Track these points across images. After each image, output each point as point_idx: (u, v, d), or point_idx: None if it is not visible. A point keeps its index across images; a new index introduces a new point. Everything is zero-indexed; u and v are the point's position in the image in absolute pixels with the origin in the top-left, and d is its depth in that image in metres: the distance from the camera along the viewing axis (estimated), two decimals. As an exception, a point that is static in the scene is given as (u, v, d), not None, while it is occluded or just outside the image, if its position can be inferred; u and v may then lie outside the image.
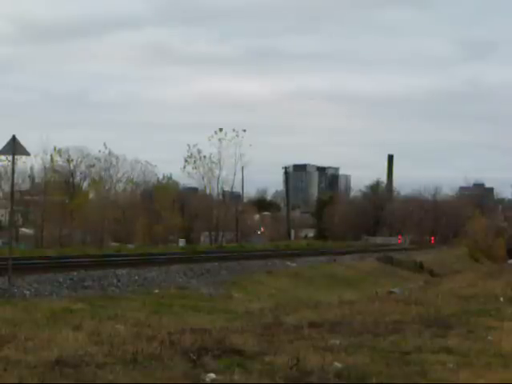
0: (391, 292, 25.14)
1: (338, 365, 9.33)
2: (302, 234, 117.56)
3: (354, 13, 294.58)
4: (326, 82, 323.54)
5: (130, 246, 59.50)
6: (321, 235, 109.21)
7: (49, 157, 73.22)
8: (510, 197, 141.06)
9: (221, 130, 77.69)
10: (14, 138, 20.67)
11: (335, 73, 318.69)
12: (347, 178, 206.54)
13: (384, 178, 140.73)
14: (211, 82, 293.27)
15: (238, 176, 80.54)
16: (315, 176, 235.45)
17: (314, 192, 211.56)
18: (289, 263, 39.92)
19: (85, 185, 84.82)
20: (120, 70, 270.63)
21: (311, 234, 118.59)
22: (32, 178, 77.33)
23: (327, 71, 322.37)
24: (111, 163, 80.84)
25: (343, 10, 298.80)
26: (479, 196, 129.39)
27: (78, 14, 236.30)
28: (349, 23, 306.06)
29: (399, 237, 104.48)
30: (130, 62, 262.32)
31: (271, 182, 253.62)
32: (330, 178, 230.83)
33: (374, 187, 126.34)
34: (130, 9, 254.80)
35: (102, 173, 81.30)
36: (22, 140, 20.94)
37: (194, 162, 78.65)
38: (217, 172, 79.81)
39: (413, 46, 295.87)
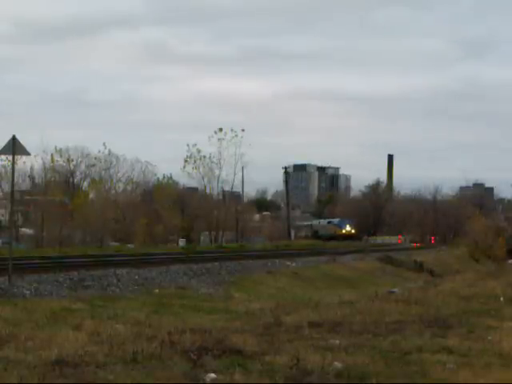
0: (391, 292, 25.10)
1: (338, 365, 9.33)
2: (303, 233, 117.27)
3: (351, 12, 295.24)
4: (324, 81, 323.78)
5: (130, 246, 59.48)
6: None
7: (49, 157, 73.30)
8: (509, 197, 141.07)
9: (220, 129, 77.80)
10: (13, 138, 20.70)
11: (334, 72, 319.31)
12: (347, 177, 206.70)
13: (384, 178, 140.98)
14: (210, 81, 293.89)
15: (238, 176, 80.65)
16: (315, 176, 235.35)
17: (314, 192, 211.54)
18: (289, 263, 39.87)
19: (85, 185, 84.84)
20: (119, 70, 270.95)
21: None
22: (32, 178, 77.25)
23: (326, 71, 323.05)
24: (111, 163, 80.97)
25: (341, 10, 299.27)
26: (479, 196, 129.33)
27: (77, 14, 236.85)
28: (346, 23, 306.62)
29: (399, 236, 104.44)
30: (129, 62, 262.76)
31: (271, 182, 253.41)
32: (329, 178, 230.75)
33: (374, 187, 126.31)
34: (128, 9, 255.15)
35: (102, 173, 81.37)
36: (22, 140, 20.99)
37: (194, 161, 78.76)
38: (217, 172, 79.92)
39: (411, 45, 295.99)
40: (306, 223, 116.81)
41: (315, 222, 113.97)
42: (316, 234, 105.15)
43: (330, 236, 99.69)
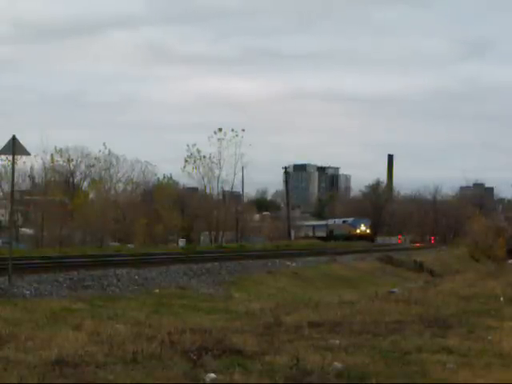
0: (391, 292, 25.11)
1: (337, 365, 9.33)
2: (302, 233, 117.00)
3: (351, 12, 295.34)
4: (324, 81, 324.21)
5: (130, 246, 59.46)
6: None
7: (49, 157, 73.25)
8: (509, 197, 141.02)
9: (220, 129, 77.81)
10: (13, 138, 20.70)
11: (334, 72, 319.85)
12: (347, 177, 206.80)
13: (384, 178, 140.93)
14: (210, 81, 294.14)
15: (238, 176, 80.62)
16: (315, 176, 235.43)
17: (314, 192, 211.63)
18: (289, 263, 39.87)
19: (85, 185, 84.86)
20: (119, 70, 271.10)
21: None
22: (32, 178, 77.24)
23: (326, 71, 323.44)
24: (111, 163, 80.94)
25: (341, 10, 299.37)
26: (479, 196, 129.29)
27: (77, 14, 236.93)
28: (347, 22, 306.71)
29: (399, 237, 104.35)
30: (129, 62, 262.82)
31: (271, 182, 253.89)
32: (329, 178, 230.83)
33: (374, 187, 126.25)
34: (129, 9, 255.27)
35: (102, 173, 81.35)
36: (22, 140, 20.99)
37: (194, 161, 78.77)
38: (217, 172, 79.91)
39: (412, 45, 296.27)
40: (321, 223, 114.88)
41: (331, 221, 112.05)
42: (331, 234, 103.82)
43: (344, 236, 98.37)
